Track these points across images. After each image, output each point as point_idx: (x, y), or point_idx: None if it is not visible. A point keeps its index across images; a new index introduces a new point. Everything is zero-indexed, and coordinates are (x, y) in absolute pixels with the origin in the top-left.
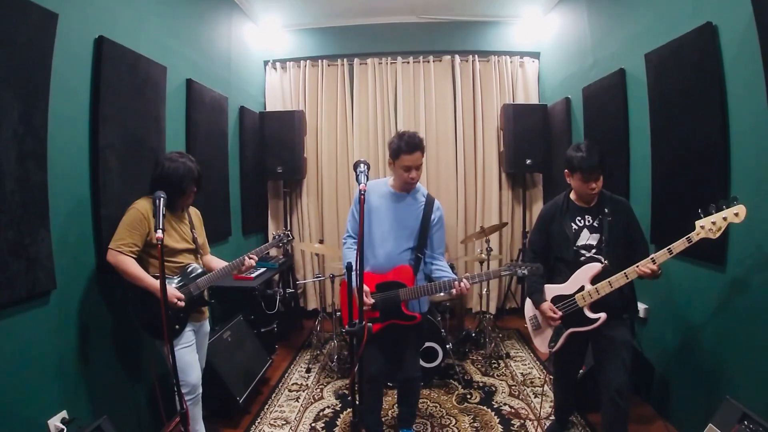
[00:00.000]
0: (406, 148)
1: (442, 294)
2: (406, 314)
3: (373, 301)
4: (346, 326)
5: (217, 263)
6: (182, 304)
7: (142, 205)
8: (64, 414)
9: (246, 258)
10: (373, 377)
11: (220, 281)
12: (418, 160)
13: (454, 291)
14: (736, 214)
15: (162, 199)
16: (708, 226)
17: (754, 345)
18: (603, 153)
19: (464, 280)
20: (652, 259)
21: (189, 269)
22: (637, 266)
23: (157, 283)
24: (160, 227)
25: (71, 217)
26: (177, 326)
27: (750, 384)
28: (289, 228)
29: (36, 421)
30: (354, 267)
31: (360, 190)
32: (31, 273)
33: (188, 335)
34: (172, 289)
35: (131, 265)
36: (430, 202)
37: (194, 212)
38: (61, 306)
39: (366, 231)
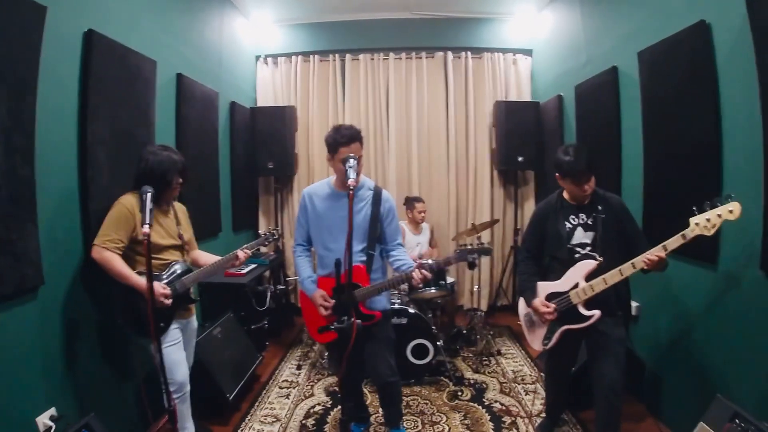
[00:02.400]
0: (343, 139)
1: (402, 286)
2: (365, 314)
3: (332, 303)
4: (333, 326)
5: (207, 258)
6: (169, 302)
7: (128, 200)
8: (52, 411)
9: (239, 252)
10: (343, 383)
11: (210, 278)
12: (357, 151)
13: (414, 281)
14: (731, 211)
15: (149, 194)
16: (703, 223)
17: (746, 343)
18: (591, 154)
19: (416, 270)
20: (663, 246)
21: (175, 266)
22: (646, 255)
23: (142, 280)
24: (147, 222)
25: (59, 212)
26: (162, 324)
27: (741, 382)
28: (279, 224)
29: (24, 418)
30: (343, 265)
31: (349, 186)
32: (18, 269)
33: (174, 333)
34: (159, 287)
35: (116, 262)
36: (377, 194)
37: (180, 208)
38: (49, 302)
39: (315, 236)
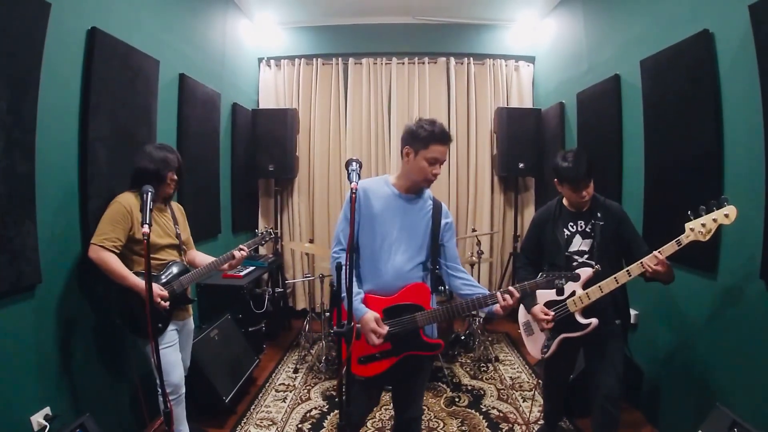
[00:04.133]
0: (441, 136)
1: (482, 313)
2: (428, 343)
3: (386, 330)
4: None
5: (202, 259)
6: (166, 304)
7: (126, 198)
8: (47, 410)
9: (236, 251)
10: (354, 424)
11: (207, 278)
12: (445, 154)
13: (497, 307)
14: (726, 215)
15: (150, 193)
16: (697, 228)
17: (745, 352)
18: (590, 161)
19: (510, 290)
20: (659, 251)
21: (172, 266)
22: (642, 261)
23: (140, 280)
24: (147, 222)
25: (58, 209)
26: (160, 325)
27: (740, 391)
28: (279, 227)
29: (18, 417)
30: (344, 278)
31: (351, 189)
32: (16, 266)
33: (171, 334)
34: (157, 287)
35: (114, 262)
36: (438, 205)
37: (177, 207)
38: (46, 300)
39: (368, 242)
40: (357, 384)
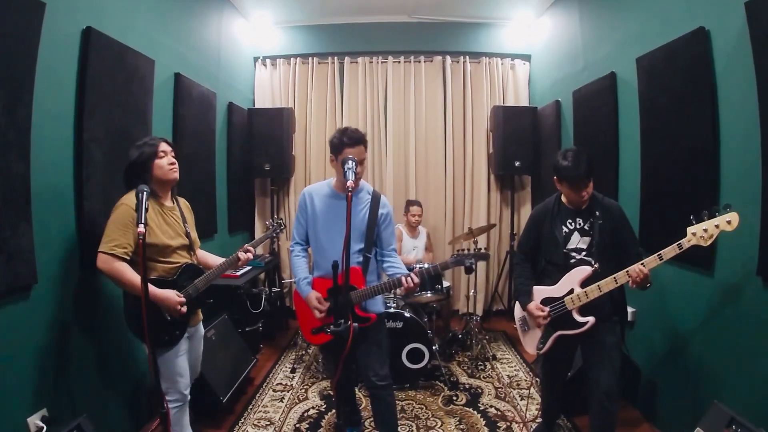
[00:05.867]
0: (349, 141)
1: (398, 291)
2: (360, 316)
3: (327, 305)
4: (330, 328)
5: (212, 260)
6: (185, 310)
7: (131, 199)
8: (44, 412)
9: (241, 253)
10: (338, 386)
11: (217, 279)
12: (361, 154)
13: (403, 287)
14: (729, 222)
15: (145, 192)
16: (699, 233)
17: (742, 350)
18: (591, 160)
19: (411, 274)
20: (642, 263)
21: (186, 269)
22: (627, 270)
23: (156, 290)
24: (142, 222)
25: (54, 210)
26: (177, 332)
27: (737, 388)
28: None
29: (15, 418)
30: (340, 266)
31: (348, 187)
32: (11, 267)
33: (184, 343)
34: (172, 294)
35: (126, 273)
36: (376, 198)
37: (184, 203)
38: (42, 302)
39: (312, 236)
40: (323, 351)
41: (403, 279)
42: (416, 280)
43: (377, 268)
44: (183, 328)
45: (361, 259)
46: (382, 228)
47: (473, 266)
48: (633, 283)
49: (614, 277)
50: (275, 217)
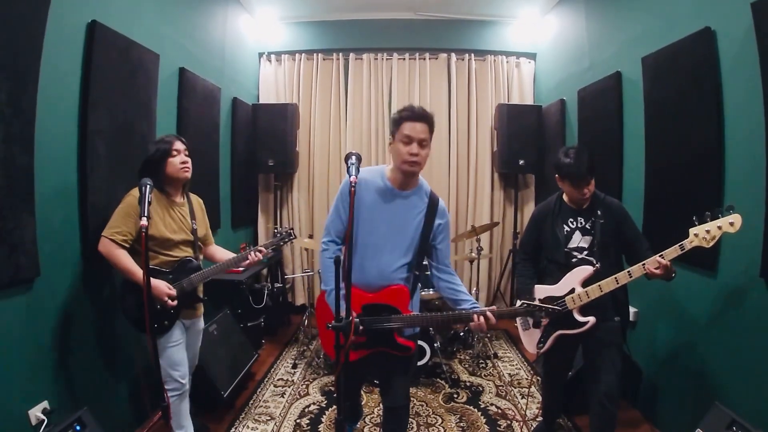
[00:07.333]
0: (409, 114)
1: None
2: (400, 344)
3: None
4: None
5: (222, 255)
6: (173, 303)
7: (137, 191)
8: (45, 404)
9: (252, 253)
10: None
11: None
12: (422, 132)
13: (473, 323)
14: (732, 224)
15: (148, 186)
16: (702, 234)
17: (744, 351)
18: (592, 157)
19: (488, 312)
20: (661, 255)
21: (184, 263)
22: (644, 263)
23: (150, 278)
24: (145, 215)
25: (57, 203)
26: (166, 322)
27: (739, 390)
28: (278, 222)
29: (16, 411)
30: (340, 274)
31: (351, 182)
32: (14, 259)
33: (177, 333)
34: (163, 285)
35: (123, 258)
36: (433, 203)
37: (196, 200)
38: (45, 294)
39: (356, 237)
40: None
41: (475, 317)
42: (492, 320)
43: (419, 289)
44: (172, 318)
45: (405, 275)
46: (439, 240)
47: (541, 321)
48: (652, 276)
49: (615, 278)
50: (286, 226)
